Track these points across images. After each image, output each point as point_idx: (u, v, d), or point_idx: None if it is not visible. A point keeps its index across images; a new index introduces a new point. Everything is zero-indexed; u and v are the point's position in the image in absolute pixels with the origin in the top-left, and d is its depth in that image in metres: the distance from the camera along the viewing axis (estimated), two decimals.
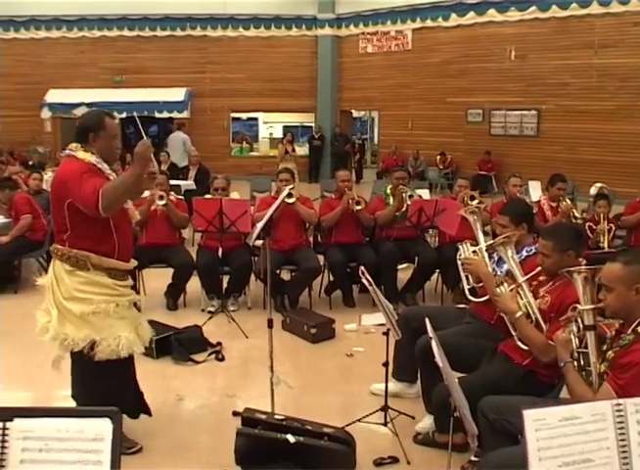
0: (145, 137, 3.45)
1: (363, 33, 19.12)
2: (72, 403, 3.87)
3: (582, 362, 2.88)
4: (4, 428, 1.51)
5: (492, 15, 16.29)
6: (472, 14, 16.67)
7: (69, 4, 19.57)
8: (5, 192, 7.61)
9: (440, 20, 17.34)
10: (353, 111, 21.59)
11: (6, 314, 6.03)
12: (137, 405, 4.00)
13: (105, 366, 3.54)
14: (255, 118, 22.01)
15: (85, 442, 1.50)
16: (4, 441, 1.51)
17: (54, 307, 3.60)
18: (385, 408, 4.17)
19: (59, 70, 19.87)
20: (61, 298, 3.56)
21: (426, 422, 4.03)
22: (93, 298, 3.52)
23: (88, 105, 18.56)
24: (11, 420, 1.52)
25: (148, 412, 4.08)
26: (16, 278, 7.52)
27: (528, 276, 3.56)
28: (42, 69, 19.99)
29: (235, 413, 4.23)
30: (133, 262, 3.81)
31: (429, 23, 17.62)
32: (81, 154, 3.55)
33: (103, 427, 1.52)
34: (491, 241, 4.11)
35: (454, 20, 17.06)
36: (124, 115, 18.85)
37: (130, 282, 3.82)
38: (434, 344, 2.89)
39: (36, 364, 4.94)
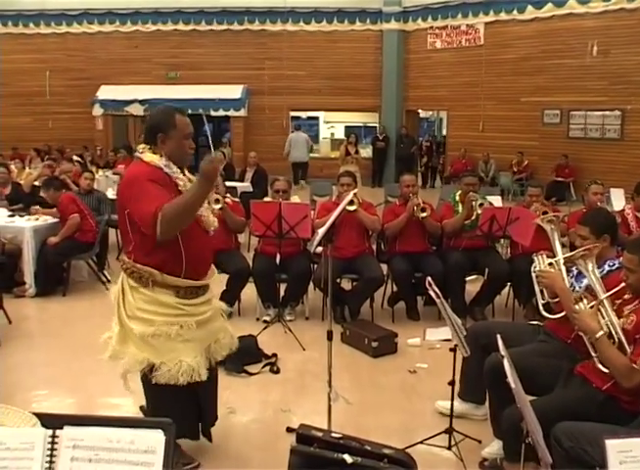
0: (213, 150, 3.34)
1: (431, 28, 18.96)
2: (117, 412, 3.95)
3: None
4: (54, 436, 1.54)
5: (572, 6, 15.95)
6: (550, 5, 16.35)
7: None
8: (50, 192, 7.79)
9: (515, 12, 17.06)
10: (420, 110, 21.46)
11: (53, 317, 6.19)
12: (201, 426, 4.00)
13: (166, 388, 3.51)
14: (316, 118, 22.08)
15: (136, 453, 1.52)
16: (53, 449, 1.54)
17: (117, 324, 3.59)
18: (449, 431, 4.12)
19: (111, 65, 20.34)
20: (124, 315, 3.53)
21: (493, 447, 3.97)
22: (154, 318, 3.45)
23: (141, 102, 19.03)
24: (61, 428, 1.55)
25: (208, 437, 4.05)
26: (64, 280, 7.72)
27: (611, 293, 3.47)
28: (94, 64, 20.49)
29: (289, 429, 4.24)
30: (210, 275, 3.74)
31: (502, 16, 17.35)
32: (148, 156, 3.47)
33: (155, 439, 1.54)
34: (570, 253, 4.02)
35: (530, 12, 16.77)
36: None
37: (207, 297, 3.70)
38: (506, 363, 2.83)
39: (82, 369, 5.07)
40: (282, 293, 6.71)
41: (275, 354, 5.61)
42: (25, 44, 20.88)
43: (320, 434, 3.58)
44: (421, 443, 4.09)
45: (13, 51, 20.81)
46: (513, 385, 2.77)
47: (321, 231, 4.25)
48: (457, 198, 6.94)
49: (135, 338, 3.49)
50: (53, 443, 1.53)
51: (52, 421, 1.58)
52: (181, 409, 3.62)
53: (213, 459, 4.01)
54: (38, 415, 1.59)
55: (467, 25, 18.17)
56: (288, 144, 18.68)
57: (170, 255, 3.43)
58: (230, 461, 4.02)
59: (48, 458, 1.52)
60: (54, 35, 20.86)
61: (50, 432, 1.54)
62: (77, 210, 7.65)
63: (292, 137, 18.86)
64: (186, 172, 3.59)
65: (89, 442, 1.54)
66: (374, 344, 5.74)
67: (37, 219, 7.84)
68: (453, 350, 4.04)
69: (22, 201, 8.84)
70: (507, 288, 6.94)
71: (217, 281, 6.67)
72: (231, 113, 19.80)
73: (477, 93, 17.99)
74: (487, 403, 4.21)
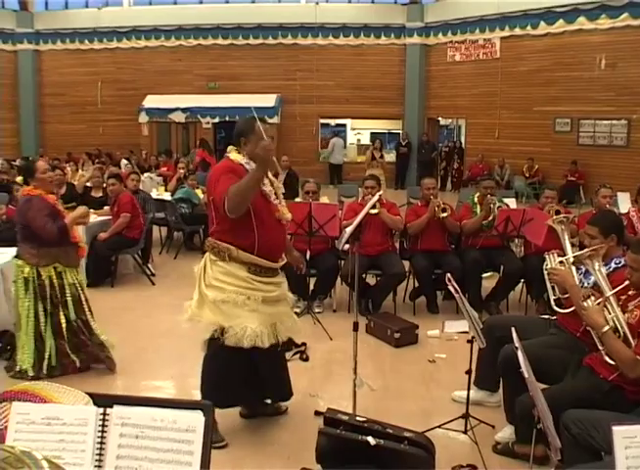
0: (265, 137, 3.68)
1: (451, 42, 18.90)
2: (159, 393, 3.99)
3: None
4: (104, 413, 1.57)
5: (582, 23, 15.78)
6: (561, 22, 16.19)
7: (168, 15, 20.37)
8: (115, 186, 7.86)
9: (529, 28, 16.93)
10: (440, 118, 21.37)
11: (102, 306, 6.24)
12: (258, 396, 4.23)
13: (225, 352, 3.74)
14: (344, 125, 22.07)
15: (178, 432, 1.54)
16: (104, 425, 1.56)
17: (197, 293, 3.86)
18: (465, 416, 4.11)
19: (156, 76, 20.55)
20: (203, 284, 3.82)
21: (506, 432, 3.96)
22: (226, 287, 3.73)
23: (183, 110, 19.19)
24: (110, 407, 1.57)
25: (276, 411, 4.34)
26: (113, 273, 7.81)
27: (617, 289, 3.44)
28: (141, 75, 20.75)
29: (317, 413, 4.26)
30: (281, 261, 3.98)
31: (517, 31, 17.22)
32: (233, 155, 3.86)
33: (195, 419, 1.55)
34: (578, 252, 3.99)
35: (543, 28, 16.62)
36: (217, 119, 19.32)
37: (278, 279, 3.97)
38: (519, 354, 2.82)
39: (128, 354, 5.12)
40: (311, 287, 6.72)
41: (304, 344, 5.62)
42: (80, 59, 21.19)
43: (346, 417, 3.59)
44: (439, 427, 4.08)
45: (69, 65, 21.18)
46: (526, 374, 2.76)
47: (348, 230, 4.29)
48: (475, 200, 6.91)
49: (209, 303, 3.77)
50: (104, 420, 1.56)
51: (103, 400, 1.60)
52: (238, 376, 3.90)
53: (246, 439, 4.04)
54: (91, 395, 1.62)
55: (484, 40, 18.07)
56: (331, 147, 19.52)
57: (245, 235, 3.74)
58: (262, 441, 4.04)
59: (99, 433, 1.54)
60: (105, 50, 21.13)
61: (101, 410, 1.56)
62: (131, 209, 7.74)
63: (334, 141, 19.62)
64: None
65: (136, 420, 1.56)
66: (396, 335, 5.74)
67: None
68: (470, 341, 4.02)
69: (75, 200, 8.93)
70: (520, 284, 6.89)
71: None
72: (265, 120, 19.82)
73: (493, 102, 17.88)
74: (501, 391, 4.21)
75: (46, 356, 4.85)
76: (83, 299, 4.96)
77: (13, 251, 5.77)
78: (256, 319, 3.75)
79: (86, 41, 21.19)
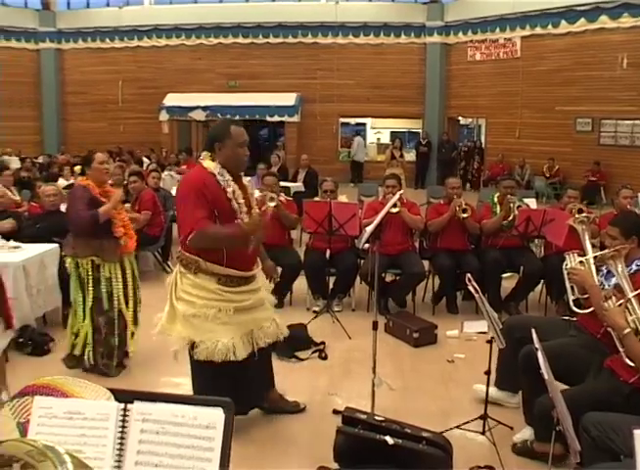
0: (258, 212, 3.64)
1: (471, 41, 18.82)
2: (178, 390, 4.02)
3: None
4: (125, 409, 1.58)
5: (604, 21, 15.61)
6: (582, 20, 16.05)
7: (188, 14, 20.46)
8: (137, 183, 7.90)
9: (550, 27, 16.79)
10: (460, 118, 21.30)
11: None
12: (249, 402, 4.11)
13: (207, 366, 3.66)
14: (363, 124, 22.05)
15: (199, 428, 1.55)
16: (125, 421, 1.57)
17: (168, 305, 3.78)
18: (484, 417, 4.09)
19: (177, 75, 20.65)
20: (174, 297, 3.73)
21: (524, 433, 3.93)
22: (196, 301, 3.63)
23: (203, 108, 19.28)
24: (131, 402, 1.58)
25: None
26: None
27: (639, 291, 3.41)
28: (162, 74, 20.85)
29: (335, 411, 4.26)
30: (255, 269, 3.86)
31: (538, 30, 17.10)
32: (207, 163, 3.68)
33: (216, 416, 1.56)
34: (600, 252, 3.95)
35: (564, 27, 16.49)
36: (237, 117, 19.37)
37: (250, 287, 3.81)
38: (539, 355, 2.80)
39: (147, 350, 5.14)
40: (330, 285, 6.72)
41: (323, 342, 5.63)
42: (102, 57, 21.37)
43: (364, 416, 3.59)
44: (457, 427, 4.07)
45: (91, 63, 21.35)
46: (546, 376, 2.74)
47: (369, 229, 4.27)
48: (495, 200, 6.88)
49: (180, 317, 3.68)
50: (125, 415, 1.57)
51: (124, 396, 1.61)
52: (214, 385, 3.73)
53: (263, 437, 4.05)
54: (112, 390, 1.63)
55: (505, 39, 17.97)
56: (355, 146, 19.79)
57: (213, 249, 3.63)
58: (280, 438, 4.05)
59: (120, 429, 1.55)
60: (127, 49, 21.28)
61: (122, 405, 1.57)
62: (153, 207, 7.77)
63: (358, 140, 19.95)
64: (243, 178, 3.78)
65: (156, 416, 1.57)
66: (415, 334, 5.73)
67: None
68: (490, 341, 4.00)
69: None
70: (540, 285, 6.85)
71: None
72: (285, 118, 19.91)
73: (513, 102, 17.76)
74: (520, 392, 4.19)
75: (80, 345, 4.97)
76: (116, 295, 4.96)
77: (35, 247, 5.86)
78: (229, 332, 3.65)
79: (107, 40, 21.35)
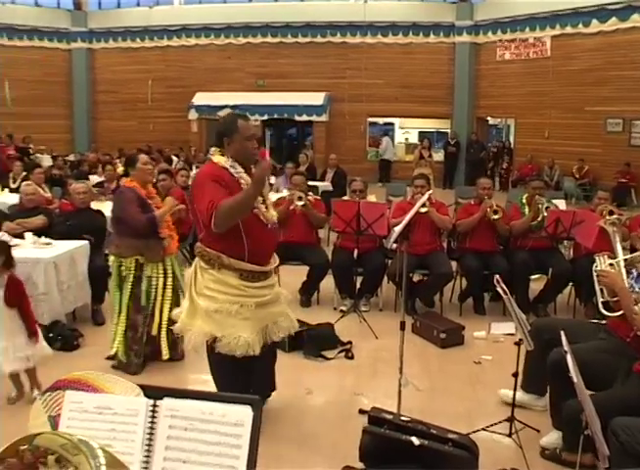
0: (268, 156, 3.52)
1: (501, 40, 18.66)
2: (207, 387, 4.04)
3: None
4: (154, 405, 1.59)
5: (636, 20, 15.35)
6: (614, 19, 15.79)
7: (217, 13, 20.59)
8: (165, 181, 7.93)
9: (581, 26, 16.56)
10: (489, 118, 21.14)
11: None
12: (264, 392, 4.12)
13: (227, 360, 3.68)
14: (392, 124, 21.98)
15: (227, 425, 1.55)
16: (154, 417, 1.58)
17: (187, 300, 3.79)
18: (511, 419, 4.05)
19: (206, 74, 20.78)
20: (194, 292, 3.73)
21: (551, 437, 3.88)
22: (218, 296, 3.64)
23: (232, 107, 19.31)
24: (161, 398, 1.59)
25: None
26: None
27: None
28: (191, 73, 21.00)
29: (361, 411, 4.25)
30: (273, 263, 3.89)
31: (568, 29, 16.87)
32: (217, 157, 3.72)
33: (244, 413, 1.56)
34: (631, 255, 3.90)
35: (595, 26, 16.24)
36: (266, 117, 19.43)
37: (268, 282, 3.85)
38: (569, 358, 2.77)
39: None
40: (358, 285, 6.71)
41: (350, 342, 5.63)
42: (132, 57, 21.59)
43: (390, 416, 3.59)
44: (483, 429, 4.05)
45: (121, 63, 21.59)
46: (575, 379, 2.71)
47: (397, 229, 4.26)
48: (524, 200, 6.83)
49: (202, 312, 3.68)
50: (154, 411, 1.58)
51: (153, 392, 1.62)
52: (235, 378, 3.80)
53: (289, 435, 4.05)
54: (142, 386, 1.64)
55: (534, 38, 17.78)
56: (385, 145, 20.05)
57: (234, 242, 3.64)
58: (306, 437, 4.06)
59: (149, 424, 1.56)
60: (156, 48, 21.47)
61: (151, 401, 1.58)
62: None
63: (387, 140, 20.25)
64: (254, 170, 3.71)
65: (185, 412, 1.57)
66: (442, 335, 5.70)
67: None
68: (518, 343, 3.97)
69: None
70: (569, 287, 6.77)
71: (298, 272, 6.82)
72: (314, 118, 19.94)
73: (543, 102, 17.57)
74: (548, 395, 4.15)
75: (117, 342, 5.03)
76: (154, 294, 5.00)
77: (66, 244, 5.93)
78: (249, 327, 3.68)
79: (138, 39, 21.58)
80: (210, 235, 3.61)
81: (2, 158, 15.23)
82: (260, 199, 3.73)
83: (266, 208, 3.83)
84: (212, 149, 3.81)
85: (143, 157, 5.18)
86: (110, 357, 5.14)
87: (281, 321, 3.98)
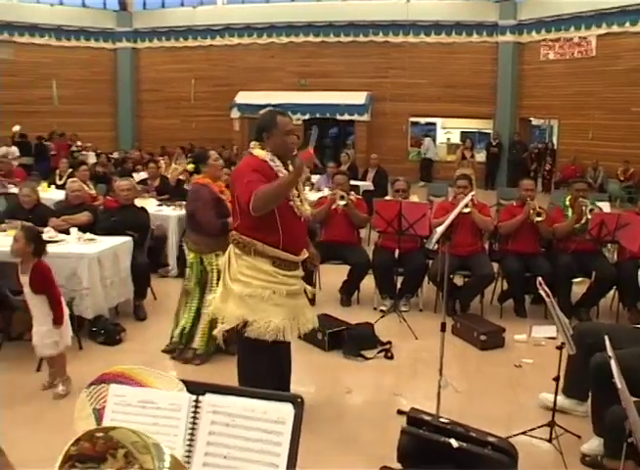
0: (311, 148, 3.60)
1: (545, 40, 18.38)
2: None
3: None
4: (197, 401, 1.60)
5: None
6: None
7: (260, 13, 20.75)
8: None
9: (628, 25, 16.18)
10: (532, 118, 20.86)
11: (173, 294, 6.39)
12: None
13: (256, 344, 3.73)
14: (433, 123, 21.84)
15: (268, 423, 1.56)
16: (196, 412, 1.60)
17: (221, 285, 3.89)
18: (551, 424, 3.99)
19: (248, 73, 20.92)
20: (228, 278, 3.81)
21: (592, 444, 3.81)
22: (252, 281, 3.71)
23: (274, 106, 19.36)
24: (203, 394, 1.61)
25: None
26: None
27: None
28: (233, 72, 21.19)
29: (400, 412, 4.23)
30: (303, 255, 3.95)
31: (615, 28, 16.52)
32: (257, 151, 3.79)
33: (285, 411, 1.57)
34: None
35: None
36: (307, 116, 19.45)
37: (299, 273, 3.95)
38: (613, 363, 2.72)
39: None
40: (398, 285, 6.68)
41: (390, 342, 5.60)
42: (175, 56, 21.87)
43: (429, 418, 3.56)
44: (523, 433, 3.99)
45: (165, 62, 21.87)
46: (619, 385, 2.65)
47: (440, 230, 4.23)
48: (567, 202, 6.73)
49: (235, 297, 3.76)
50: (196, 406, 1.59)
51: (195, 388, 1.63)
52: (266, 367, 3.83)
53: (327, 434, 4.05)
54: (184, 382, 1.66)
55: (579, 38, 17.46)
56: (427, 144, 20.23)
57: (270, 232, 3.71)
58: (345, 435, 4.06)
59: (192, 420, 1.58)
60: (200, 48, 21.70)
61: (194, 397, 1.60)
62: None
63: (428, 141, 20.37)
64: (289, 166, 3.78)
65: (227, 409, 1.58)
66: (482, 337, 5.64)
67: (181, 209, 8.12)
68: (560, 347, 3.91)
69: (168, 192, 9.21)
70: (612, 291, 6.63)
71: (339, 271, 6.83)
72: (355, 117, 19.95)
73: (588, 103, 17.22)
74: (589, 401, 4.07)
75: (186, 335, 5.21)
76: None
77: (110, 240, 6.02)
78: (280, 313, 3.74)
79: (181, 39, 21.85)
80: (247, 223, 3.71)
81: (60, 154, 15.56)
82: (296, 193, 3.83)
83: (301, 202, 3.92)
84: (252, 143, 3.89)
85: (213, 153, 5.34)
86: (166, 351, 5.32)
87: (307, 313, 4.06)
